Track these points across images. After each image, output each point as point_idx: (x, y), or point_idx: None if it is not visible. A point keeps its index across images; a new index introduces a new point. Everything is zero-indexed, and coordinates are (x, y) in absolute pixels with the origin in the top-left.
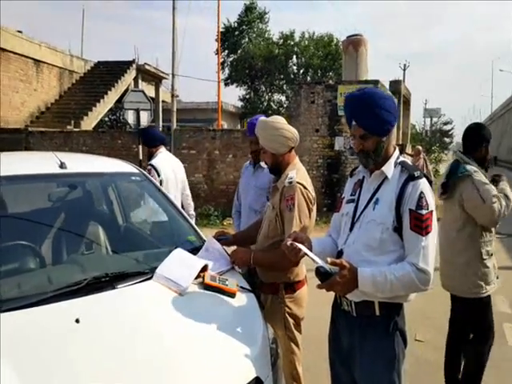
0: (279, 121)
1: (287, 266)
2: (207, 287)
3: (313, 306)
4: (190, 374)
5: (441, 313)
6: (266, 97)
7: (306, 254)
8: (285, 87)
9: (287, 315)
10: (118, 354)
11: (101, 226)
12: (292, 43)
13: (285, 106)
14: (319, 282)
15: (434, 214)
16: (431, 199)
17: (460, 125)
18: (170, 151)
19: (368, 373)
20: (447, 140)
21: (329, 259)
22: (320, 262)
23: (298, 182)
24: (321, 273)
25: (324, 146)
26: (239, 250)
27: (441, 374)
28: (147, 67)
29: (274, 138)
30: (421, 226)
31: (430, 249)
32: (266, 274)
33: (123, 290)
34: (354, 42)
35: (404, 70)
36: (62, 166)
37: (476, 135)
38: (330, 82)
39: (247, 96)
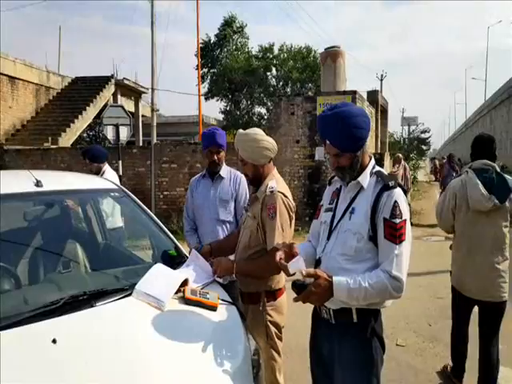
0: (259, 132)
1: (270, 274)
2: (188, 301)
3: (295, 315)
4: None
5: (420, 317)
6: (247, 109)
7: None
8: (265, 100)
9: (269, 323)
10: (96, 373)
11: (79, 244)
12: (271, 56)
13: (265, 118)
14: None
15: (408, 222)
16: (405, 208)
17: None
18: (150, 165)
19: (347, 378)
20: (424, 147)
21: (303, 271)
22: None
23: (278, 191)
24: (297, 285)
25: (305, 157)
26: (222, 260)
27: (422, 378)
28: (126, 82)
29: (256, 150)
30: (395, 234)
31: (403, 257)
32: (247, 283)
33: (102, 308)
34: (332, 54)
35: (381, 79)
36: (37, 184)
37: (493, 145)
38: (310, 93)
39: (228, 109)
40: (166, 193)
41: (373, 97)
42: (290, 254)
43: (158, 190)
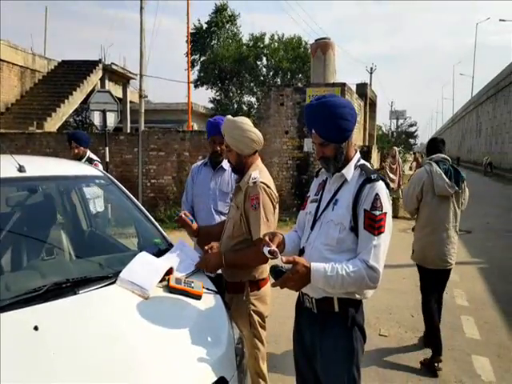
0: (246, 122)
1: (258, 264)
2: (172, 290)
3: (279, 304)
4: (154, 377)
5: (403, 309)
6: (237, 98)
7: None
8: (255, 89)
9: (252, 312)
10: (78, 361)
11: (63, 231)
12: (262, 45)
13: (255, 107)
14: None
15: (389, 215)
16: (386, 201)
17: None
18: (137, 153)
19: (328, 366)
20: (412, 141)
21: (283, 258)
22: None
23: (261, 182)
24: (275, 271)
25: (293, 148)
26: (210, 256)
27: (403, 367)
28: (114, 67)
29: (241, 139)
30: (373, 225)
31: (381, 248)
32: (232, 273)
33: (85, 296)
34: (322, 46)
35: (371, 73)
36: (20, 169)
37: (444, 145)
38: (299, 84)
39: (217, 97)
40: (153, 181)
41: (362, 90)
42: (265, 241)
43: (145, 178)
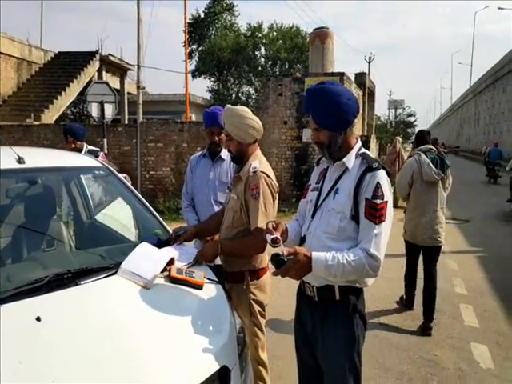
0: (247, 110)
1: (254, 254)
2: (174, 280)
3: (279, 293)
4: (156, 367)
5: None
6: (235, 88)
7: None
8: (253, 79)
9: (252, 302)
10: (81, 351)
11: (63, 223)
12: (260, 35)
13: (253, 97)
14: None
15: (390, 204)
16: (387, 190)
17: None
18: (135, 144)
19: (330, 354)
20: (410, 131)
21: (285, 251)
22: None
23: (261, 172)
24: (276, 260)
25: (292, 138)
26: (207, 247)
27: (403, 355)
28: (111, 58)
29: (242, 127)
30: (374, 214)
31: (382, 237)
32: (231, 263)
33: (87, 286)
34: (321, 35)
35: (369, 62)
36: (20, 160)
37: (430, 136)
38: (298, 74)
39: (215, 88)
40: (152, 172)
41: (360, 79)
42: (268, 229)
43: (143, 170)
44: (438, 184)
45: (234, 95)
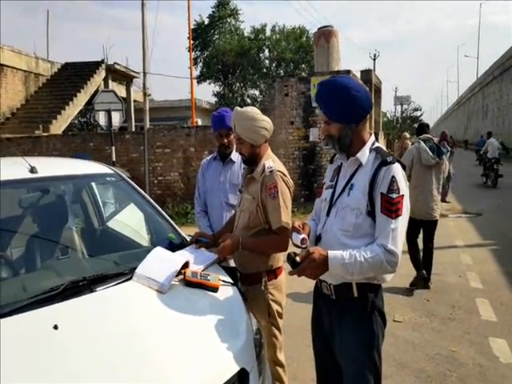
0: (257, 111)
1: (274, 252)
2: (189, 283)
3: (293, 293)
4: (175, 371)
5: (416, 293)
6: (240, 92)
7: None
8: (258, 82)
9: (271, 302)
10: (99, 358)
11: (75, 230)
12: (263, 37)
13: (259, 100)
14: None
15: (406, 198)
16: (403, 184)
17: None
18: (143, 151)
19: (349, 352)
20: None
21: (297, 258)
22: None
23: (278, 171)
24: (292, 260)
25: (299, 138)
26: (228, 240)
27: (419, 353)
28: (117, 67)
29: (254, 129)
30: (391, 209)
31: (398, 231)
32: (247, 264)
33: (102, 293)
34: (325, 34)
35: (374, 59)
36: (32, 170)
37: (429, 128)
38: (303, 74)
39: (221, 92)
40: (160, 178)
41: (366, 76)
42: (296, 229)
43: (152, 176)
44: (434, 168)
45: (239, 99)
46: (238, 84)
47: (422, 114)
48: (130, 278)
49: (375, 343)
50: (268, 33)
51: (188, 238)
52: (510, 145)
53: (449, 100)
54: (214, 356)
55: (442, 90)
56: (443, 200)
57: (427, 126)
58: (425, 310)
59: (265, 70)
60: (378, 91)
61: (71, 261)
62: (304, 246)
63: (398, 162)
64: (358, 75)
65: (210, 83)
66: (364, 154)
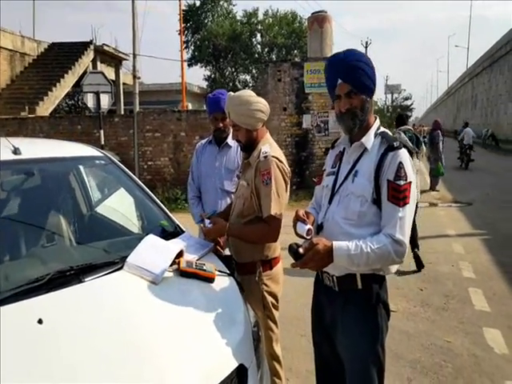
0: (251, 94)
1: (263, 242)
2: (183, 273)
3: (288, 283)
4: (170, 367)
5: (410, 283)
6: (231, 77)
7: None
8: (250, 67)
9: (266, 293)
10: (90, 353)
11: (62, 216)
12: (256, 21)
13: (250, 85)
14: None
15: (413, 185)
16: (410, 170)
17: (419, 100)
18: (133, 135)
19: (352, 346)
20: (408, 114)
21: (301, 249)
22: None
23: (273, 156)
24: (295, 251)
25: (292, 125)
26: (217, 220)
27: (414, 342)
28: (106, 48)
29: (250, 113)
30: (398, 196)
31: (406, 220)
32: (242, 253)
33: (91, 283)
34: (319, 19)
35: (366, 47)
36: (15, 151)
37: (407, 119)
38: (296, 59)
39: (212, 76)
40: (150, 163)
41: None
42: (301, 218)
43: (141, 160)
44: (413, 156)
45: (230, 83)
46: (229, 68)
47: (412, 103)
48: (121, 268)
49: (379, 337)
50: (260, 17)
51: (181, 226)
52: (499, 135)
53: (439, 90)
54: (212, 351)
55: (432, 79)
56: (433, 189)
57: (407, 116)
58: (418, 299)
59: (257, 55)
60: None
61: (58, 248)
62: (309, 238)
63: (405, 147)
64: None
65: (201, 67)
66: (369, 139)
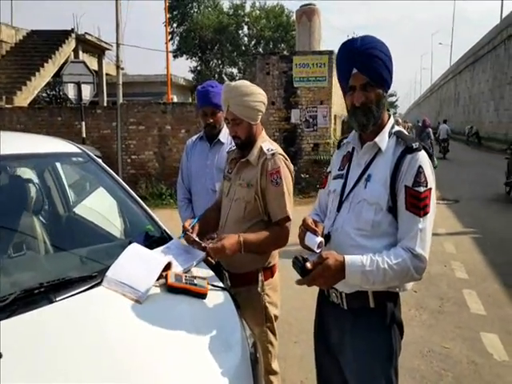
0: (251, 84)
1: (278, 247)
2: (172, 289)
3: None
4: None
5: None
6: (218, 69)
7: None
8: (236, 59)
9: (268, 305)
10: None
11: (35, 219)
12: (243, 14)
13: (237, 78)
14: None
15: (433, 192)
16: (431, 175)
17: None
18: (116, 127)
19: (362, 371)
20: (392, 111)
21: (309, 264)
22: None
23: (279, 153)
24: (301, 266)
25: (280, 119)
26: (226, 240)
27: (412, 348)
28: (88, 37)
29: (254, 105)
30: (418, 205)
31: (427, 232)
32: (242, 262)
33: (64, 304)
34: (308, 12)
35: None
36: None
37: None
38: (285, 53)
39: (198, 68)
40: (133, 156)
41: None
42: (312, 229)
43: (125, 154)
44: None
45: (216, 76)
46: (215, 61)
47: (396, 100)
48: (100, 283)
49: (393, 361)
50: (248, 9)
51: (167, 230)
52: (480, 133)
53: (422, 87)
54: (204, 381)
55: (416, 76)
56: None
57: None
58: (413, 302)
59: (243, 48)
60: None
61: (26, 259)
62: (319, 251)
63: (424, 148)
64: None
65: (186, 58)
66: (383, 139)
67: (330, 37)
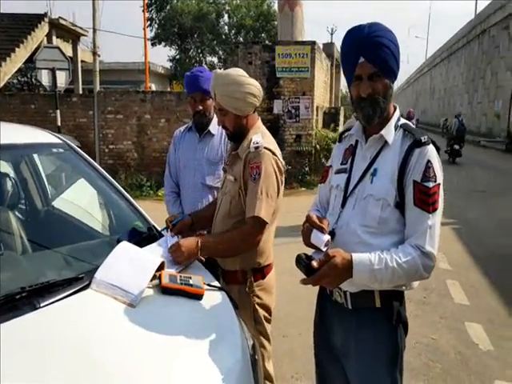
0: (242, 73)
1: (245, 251)
2: (166, 290)
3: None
4: None
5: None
6: (198, 58)
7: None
8: (217, 48)
9: (257, 306)
10: None
11: (12, 215)
12: (223, 1)
13: (217, 68)
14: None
15: (442, 187)
16: (439, 170)
17: None
18: (93, 116)
19: (367, 373)
20: None
21: (314, 263)
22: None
23: (265, 148)
24: (305, 265)
25: (262, 110)
26: (183, 243)
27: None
28: (62, 22)
29: (240, 96)
30: (427, 201)
31: (436, 229)
32: (231, 259)
33: (49, 310)
34: (290, 2)
35: (331, 33)
36: None
37: None
38: (267, 42)
39: (177, 57)
40: (111, 146)
41: (328, 50)
42: (318, 226)
43: (102, 144)
44: None
45: (196, 65)
46: (195, 49)
47: None
48: (88, 286)
49: (399, 361)
50: None
51: (156, 226)
52: None
53: (399, 79)
54: None
55: None
56: None
57: None
58: (420, 301)
59: (224, 37)
60: (338, 66)
61: (5, 260)
62: (325, 250)
63: (433, 142)
64: (321, 48)
65: (165, 46)
66: (390, 131)
67: (307, 29)
